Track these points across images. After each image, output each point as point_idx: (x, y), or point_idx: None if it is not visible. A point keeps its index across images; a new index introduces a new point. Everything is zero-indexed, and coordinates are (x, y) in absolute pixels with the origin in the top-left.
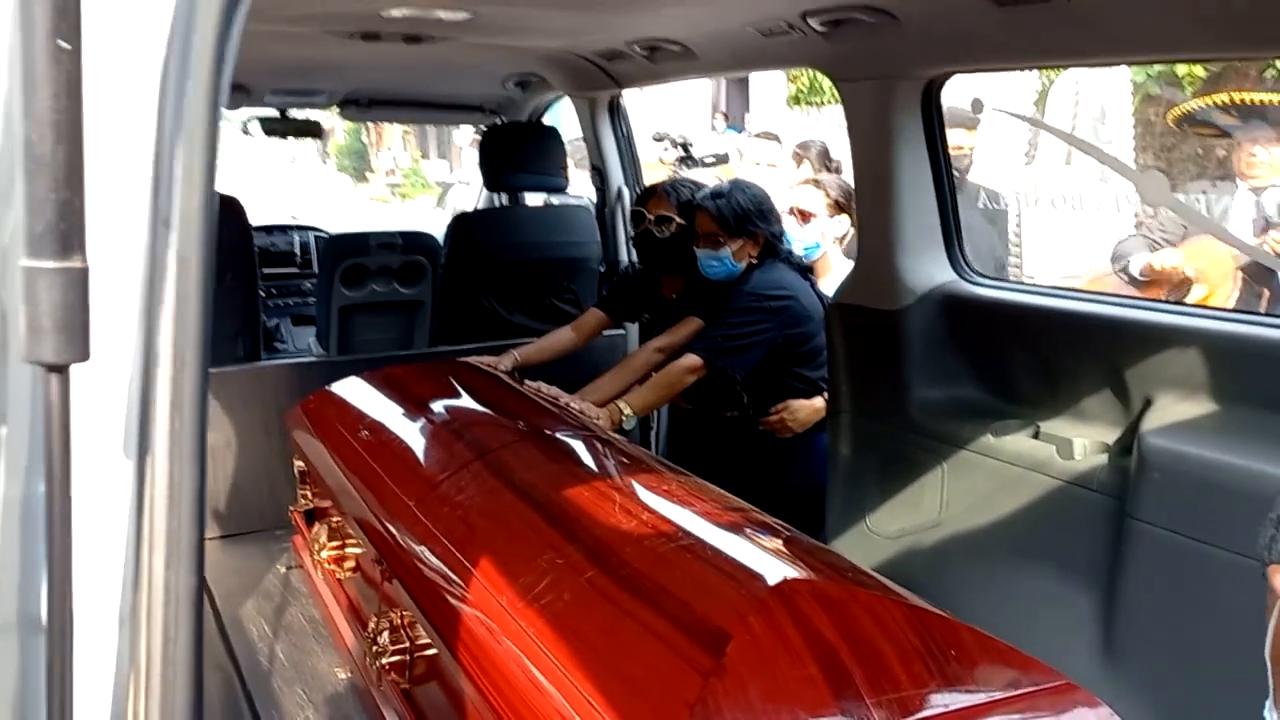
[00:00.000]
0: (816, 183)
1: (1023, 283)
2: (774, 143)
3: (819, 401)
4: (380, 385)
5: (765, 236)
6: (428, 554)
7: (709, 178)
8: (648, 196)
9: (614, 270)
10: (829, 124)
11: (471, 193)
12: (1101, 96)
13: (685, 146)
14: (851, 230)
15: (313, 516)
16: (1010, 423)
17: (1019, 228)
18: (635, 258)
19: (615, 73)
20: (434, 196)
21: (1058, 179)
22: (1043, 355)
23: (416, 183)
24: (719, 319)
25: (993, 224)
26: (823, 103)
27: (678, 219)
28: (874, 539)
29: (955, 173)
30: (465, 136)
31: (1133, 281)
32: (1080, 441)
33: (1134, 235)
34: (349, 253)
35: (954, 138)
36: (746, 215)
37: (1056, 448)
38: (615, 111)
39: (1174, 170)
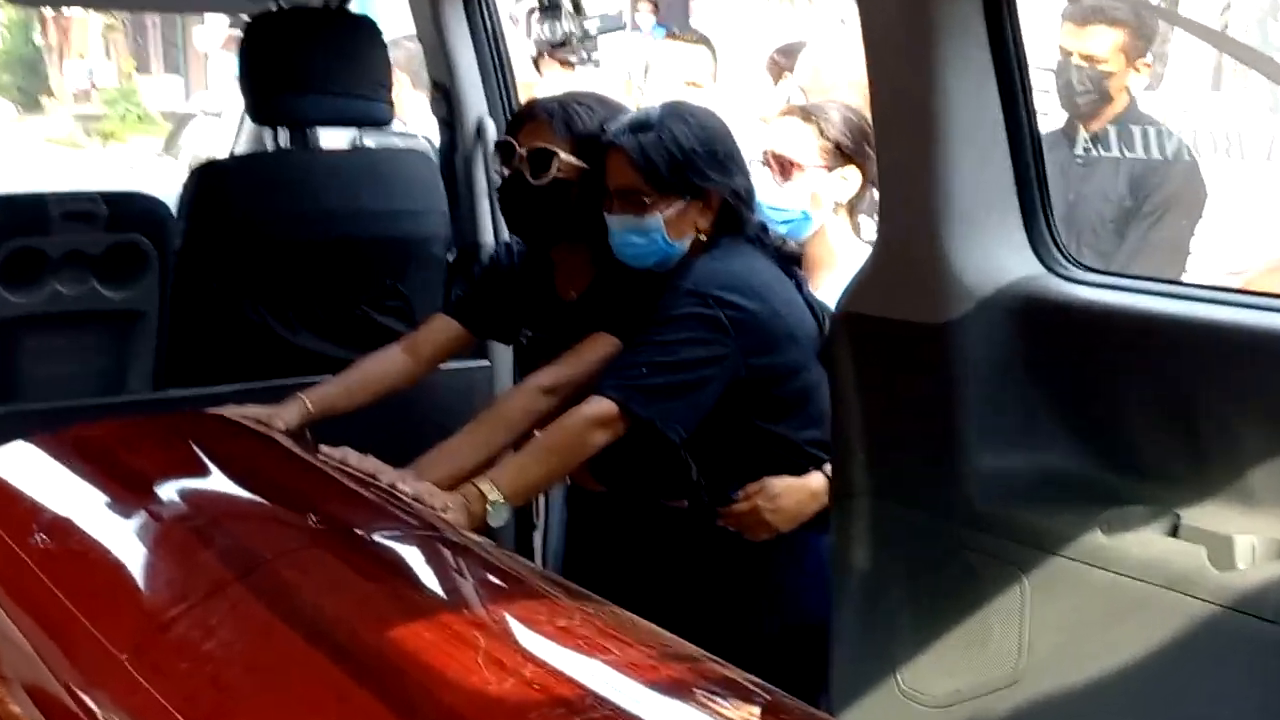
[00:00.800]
0: (805, 113)
1: (1162, 281)
2: (701, 48)
3: (815, 480)
4: (70, 455)
5: (721, 197)
6: None
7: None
8: (521, 120)
9: (471, 258)
10: (823, 20)
11: (225, 130)
12: None
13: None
14: (870, 193)
15: None
16: (1132, 510)
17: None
18: (508, 234)
19: None
20: (159, 136)
21: (1200, 112)
22: (1186, 399)
23: (128, 113)
24: (643, 335)
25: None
26: None
27: (570, 158)
28: (911, 708)
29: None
30: (213, 37)
31: None
32: (1247, 541)
33: None
34: (14, 228)
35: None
36: (689, 159)
37: (1209, 551)
38: None
39: None
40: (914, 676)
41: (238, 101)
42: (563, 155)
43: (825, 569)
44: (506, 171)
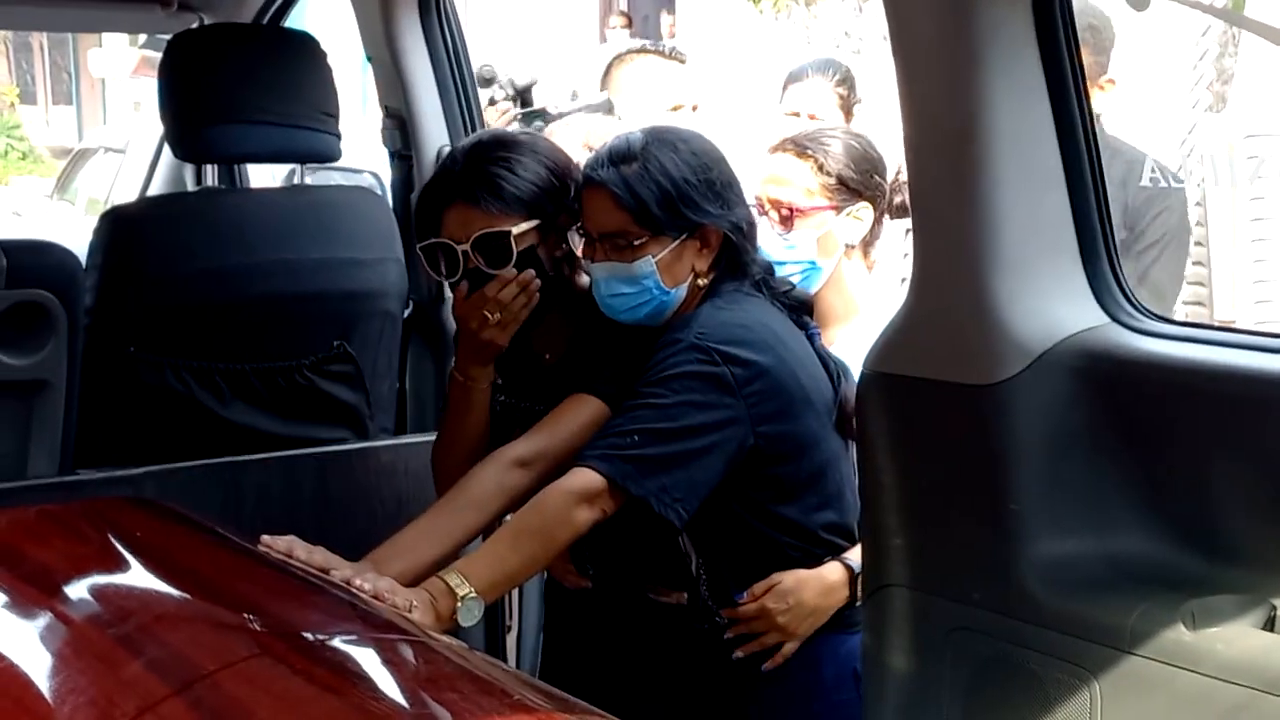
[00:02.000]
0: (799, 146)
1: (1246, 332)
2: (679, 65)
3: (832, 572)
4: None
5: (721, 233)
6: None
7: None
8: (436, 207)
9: (430, 313)
10: (828, 36)
11: (131, 167)
12: None
13: (521, 92)
14: (882, 228)
15: None
16: (1222, 601)
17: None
18: None
19: None
20: (47, 176)
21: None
22: None
23: (10, 150)
24: (636, 397)
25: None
26: None
27: (523, 226)
28: None
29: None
30: (111, 61)
31: None
32: None
33: None
34: None
35: None
36: (681, 192)
37: None
38: (433, 5)
39: None
40: None
41: (146, 135)
42: (515, 231)
43: (848, 678)
44: (455, 278)
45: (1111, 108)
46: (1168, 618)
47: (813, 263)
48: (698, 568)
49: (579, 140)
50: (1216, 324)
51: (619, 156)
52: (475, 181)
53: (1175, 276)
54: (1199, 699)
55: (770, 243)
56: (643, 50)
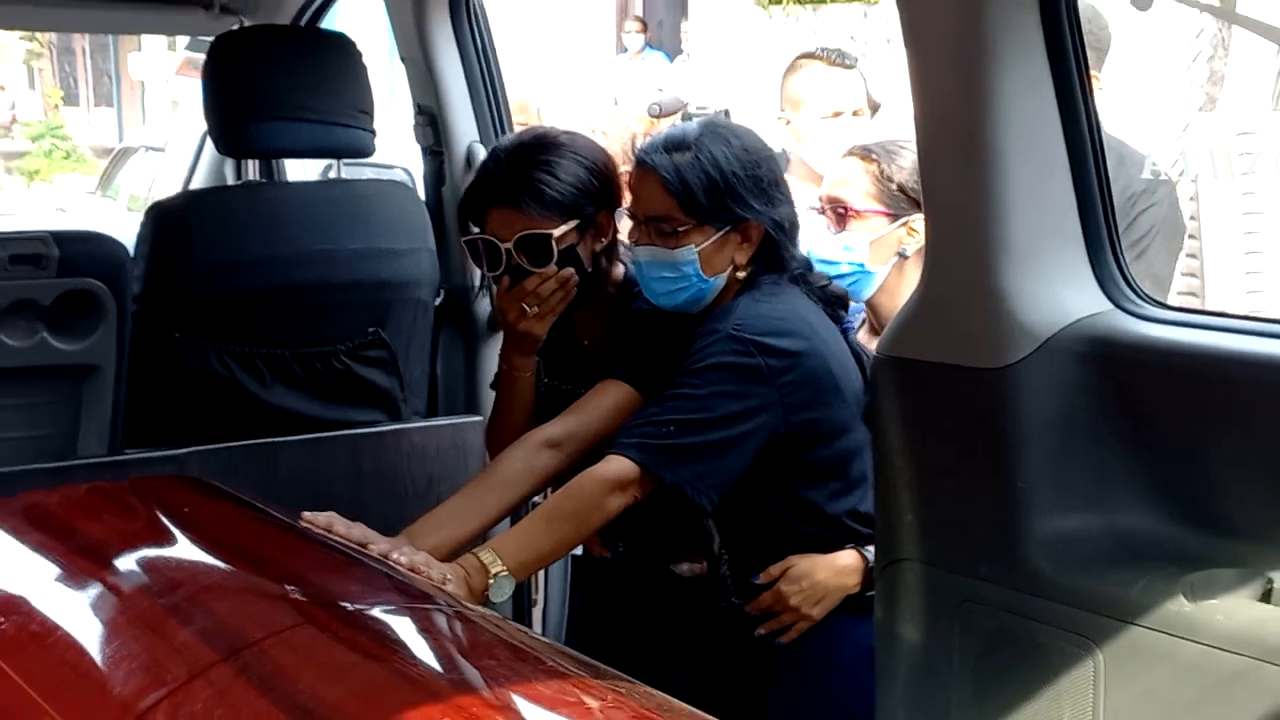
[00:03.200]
0: (866, 151)
1: (1240, 318)
2: (853, 72)
3: (845, 557)
4: (21, 525)
5: (763, 229)
6: None
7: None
8: (480, 206)
9: (461, 301)
10: (833, 40)
11: (171, 167)
12: None
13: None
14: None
15: None
16: (1220, 574)
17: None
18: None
19: None
20: (90, 174)
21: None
22: None
23: (55, 149)
24: (672, 387)
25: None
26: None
27: (563, 228)
28: None
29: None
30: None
31: None
32: None
33: None
34: None
35: None
36: (729, 185)
37: None
38: (463, 8)
39: None
40: None
41: (184, 133)
42: (556, 233)
43: (864, 656)
44: (497, 272)
45: (1105, 105)
46: (1168, 590)
47: (862, 266)
48: (719, 547)
49: (624, 139)
50: (1214, 310)
51: (673, 144)
52: (518, 186)
53: (1168, 266)
54: (1198, 668)
55: (825, 242)
56: (810, 56)
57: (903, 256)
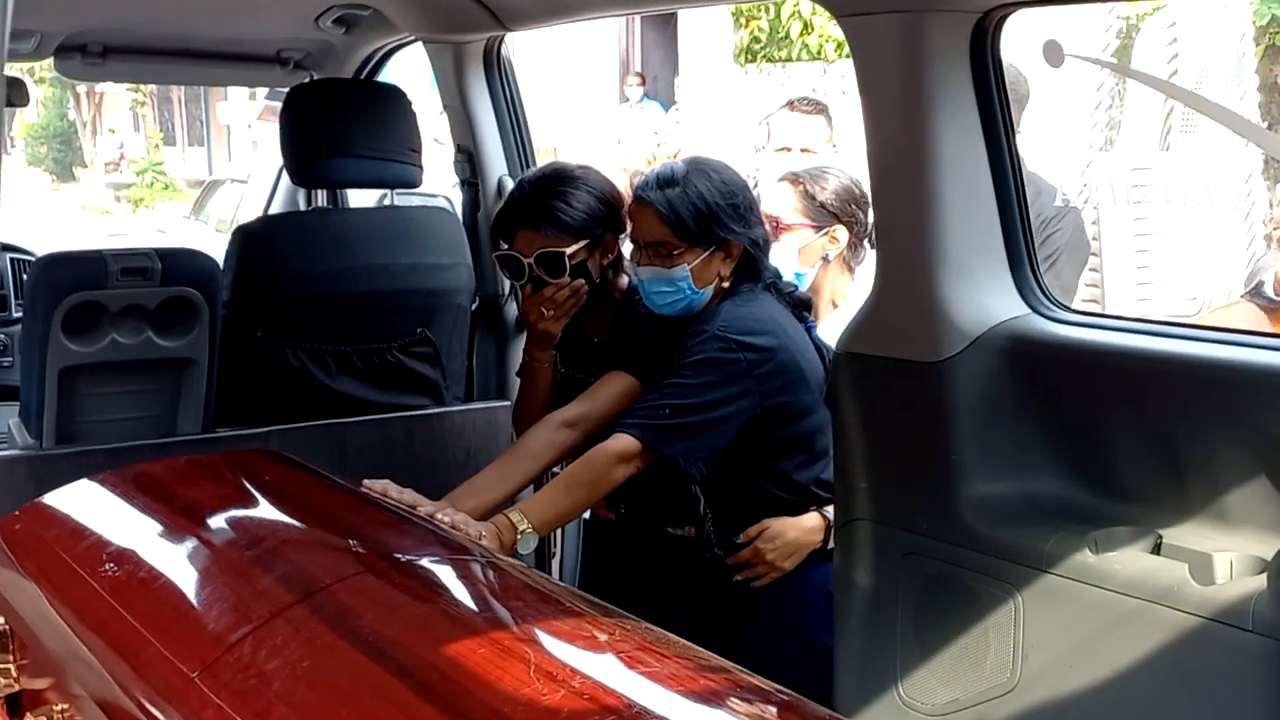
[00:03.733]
0: (796, 178)
1: (1133, 320)
2: (818, 117)
3: (810, 519)
4: (131, 491)
5: (742, 246)
6: None
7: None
8: (510, 226)
9: (493, 307)
10: (798, 92)
11: (252, 196)
12: (1210, 47)
13: None
14: (864, 247)
15: (19, 704)
16: (1118, 531)
17: (1097, 244)
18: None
19: (495, 5)
20: (184, 202)
21: (1153, 170)
22: (1165, 427)
23: (155, 181)
24: (668, 377)
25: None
26: (789, 58)
27: (576, 247)
28: (911, 716)
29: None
30: (235, 112)
31: (1273, 306)
32: (1225, 558)
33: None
34: (76, 283)
35: None
36: (713, 213)
37: (1190, 567)
38: (494, 64)
39: None
40: (914, 687)
41: (264, 169)
42: (568, 251)
43: (824, 598)
44: (522, 281)
45: (1024, 146)
46: (1077, 544)
47: (798, 274)
48: (704, 508)
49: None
50: (1112, 314)
51: (664, 181)
52: (538, 212)
53: (1075, 278)
54: (1101, 608)
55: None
56: (788, 104)
57: (826, 260)
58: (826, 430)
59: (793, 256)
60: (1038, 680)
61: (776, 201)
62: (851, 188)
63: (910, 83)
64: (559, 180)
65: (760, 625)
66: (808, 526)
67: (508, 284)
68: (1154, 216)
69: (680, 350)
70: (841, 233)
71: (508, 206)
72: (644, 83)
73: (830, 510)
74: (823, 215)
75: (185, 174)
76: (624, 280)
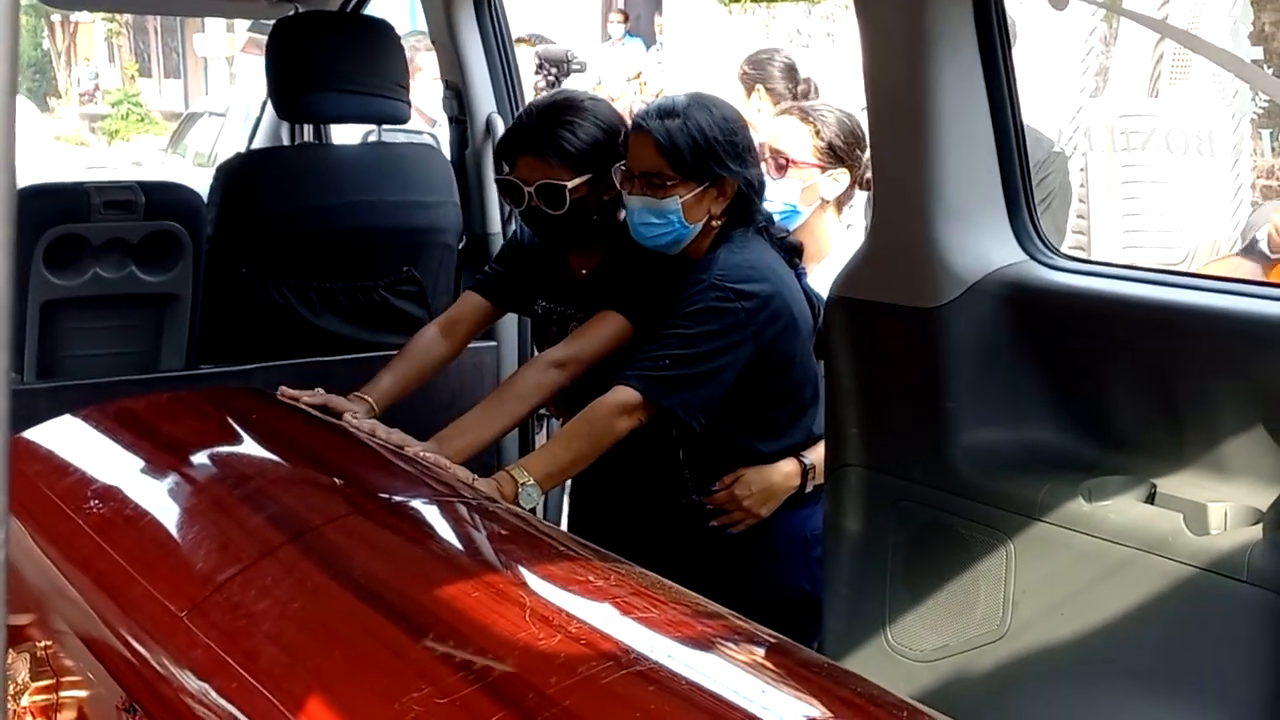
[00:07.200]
0: (804, 113)
1: (1131, 268)
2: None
3: (785, 465)
4: (114, 427)
5: (737, 185)
6: (213, 694)
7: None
8: (513, 151)
9: (480, 246)
10: (782, 33)
11: (231, 129)
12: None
13: (559, 65)
14: (855, 192)
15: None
16: (1112, 480)
17: (1084, 191)
18: (521, 230)
19: None
20: (160, 135)
21: (1143, 117)
22: (1162, 376)
23: (131, 114)
24: (666, 328)
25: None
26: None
27: (577, 181)
28: (899, 662)
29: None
30: (212, 43)
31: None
32: (1219, 507)
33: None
34: (58, 216)
35: None
36: (711, 147)
37: (1184, 516)
38: (485, 1)
39: None
40: (903, 633)
41: (242, 102)
42: (570, 185)
43: (799, 543)
44: (516, 205)
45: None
46: (1069, 492)
47: (793, 207)
48: (682, 456)
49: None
50: (1107, 261)
51: (665, 112)
52: (543, 139)
53: (1062, 223)
54: (1093, 556)
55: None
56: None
57: (824, 201)
58: (815, 379)
59: (795, 194)
60: (1027, 628)
61: (787, 137)
62: (854, 128)
63: (911, 24)
64: (568, 109)
65: (735, 568)
66: (785, 472)
67: (497, 220)
68: (1143, 163)
69: (678, 299)
70: (843, 175)
71: (513, 131)
72: (626, 20)
73: (808, 456)
74: (829, 156)
75: (161, 106)
76: (621, 216)
